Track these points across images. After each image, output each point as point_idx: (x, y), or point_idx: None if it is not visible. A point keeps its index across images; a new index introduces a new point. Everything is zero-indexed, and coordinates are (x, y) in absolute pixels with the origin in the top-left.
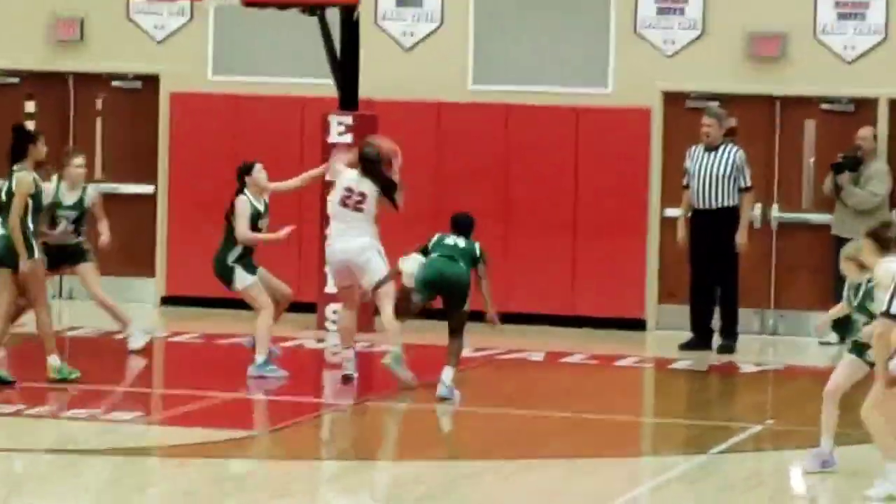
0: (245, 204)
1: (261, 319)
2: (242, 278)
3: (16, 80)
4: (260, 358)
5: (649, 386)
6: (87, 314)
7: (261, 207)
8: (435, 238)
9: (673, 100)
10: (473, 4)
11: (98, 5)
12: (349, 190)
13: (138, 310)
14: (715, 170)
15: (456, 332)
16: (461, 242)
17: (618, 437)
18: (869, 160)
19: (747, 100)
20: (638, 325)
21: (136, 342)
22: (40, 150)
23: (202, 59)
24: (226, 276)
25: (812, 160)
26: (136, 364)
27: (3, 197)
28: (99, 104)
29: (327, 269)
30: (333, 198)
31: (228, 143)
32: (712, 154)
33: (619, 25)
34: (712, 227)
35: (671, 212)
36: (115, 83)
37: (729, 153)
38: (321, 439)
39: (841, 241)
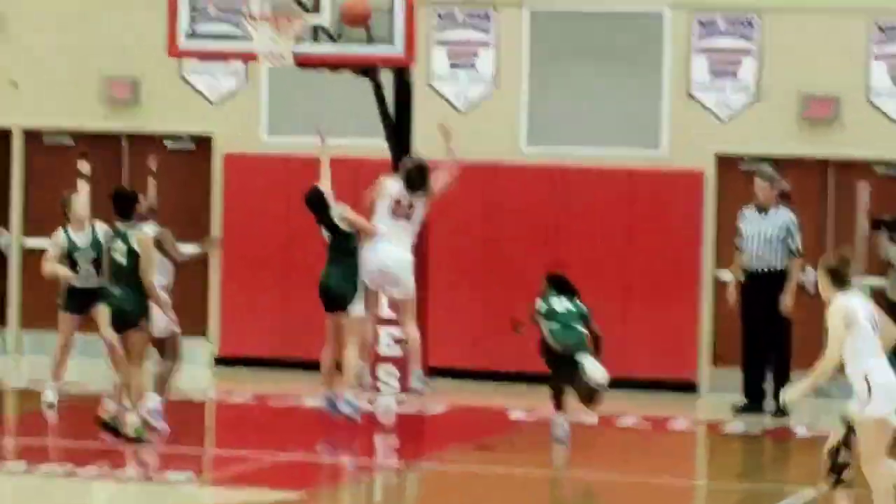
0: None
1: (353, 351)
2: (359, 306)
3: (70, 140)
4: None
5: (702, 449)
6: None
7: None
8: (544, 308)
9: (726, 162)
10: (527, 66)
11: (152, 66)
12: (398, 201)
13: (192, 370)
14: (766, 232)
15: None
16: (571, 305)
17: (671, 501)
18: None
19: (800, 163)
20: (689, 387)
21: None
22: (141, 206)
23: (256, 119)
24: (349, 296)
25: (865, 224)
26: (187, 423)
27: (124, 259)
28: (153, 165)
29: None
30: (381, 209)
31: (281, 204)
32: (765, 216)
33: (672, 88)
34: (764, 289)
35: (724, 274)
36: (168, 144)
37: (780, 216)
38: (373, 501)
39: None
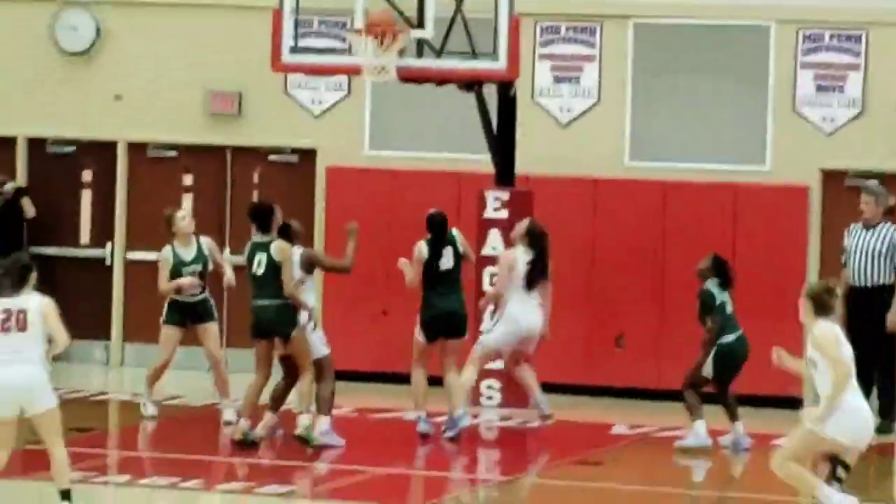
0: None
1: (464, 375)
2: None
3: (174, 153)
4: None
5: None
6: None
7: None
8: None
9: (832, 178)
10: (631, 80)
11: (256, 80)
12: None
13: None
14: (872, 247)
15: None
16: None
17: None
18: None
19: None
20: (796, 403)
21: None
22: (279, 219)
23: (359, 133)
24: (465, 323)
25: None
26: (289, 436)
27: (261, 270)
28: (256, 178)
29: (503, 339)
30: (516, 278)
31: (384, 218)
32: (870, 232)
33: (777, 103)
34: (869, 305)
35: None
36: (271, 157)
37: (887, 231)
38: None
39: None
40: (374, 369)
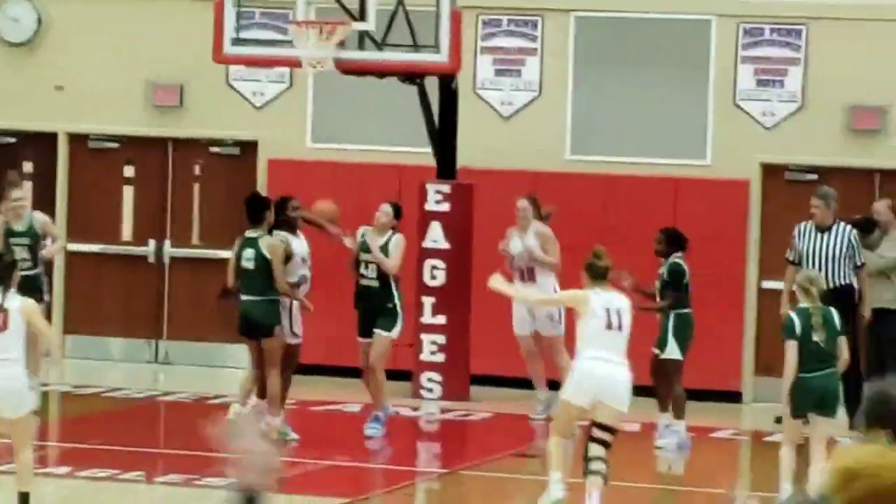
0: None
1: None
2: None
3: (115, 144)
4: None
5: (745, 459)
6: (183, 379)
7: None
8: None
9: (772, 172)
10: (572, 74)
11: (197, 72)
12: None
13: (233, 375)
14: (829, 250)
15: None
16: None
17: None
18: (891, 229)
19: (847, 173)
20: (734, 397)
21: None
22: (273, 215)
23: (301, 125)
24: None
25: None
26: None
27: (250, 265)
28: (197, 170)
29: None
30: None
31: None
32: (826, 235)
33: (717, 97)
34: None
35: (768, 284)
36: (213, 149)
37: (842, 233)
38: None
39: None
40: (317, 362)
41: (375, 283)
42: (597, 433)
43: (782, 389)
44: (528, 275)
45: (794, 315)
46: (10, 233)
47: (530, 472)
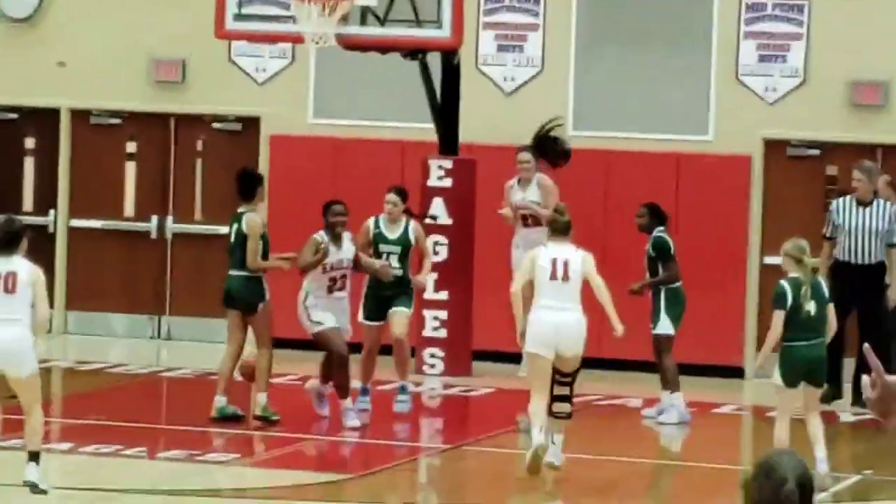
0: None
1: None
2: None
3: (117, 120)
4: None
5: (747, 434)
6: (185, 355)
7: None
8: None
9: (774, 147)
10: (574, 50)
11: (200, 47)
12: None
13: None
14: (869, 225)
15: None
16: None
17: (716, 485)
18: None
19: (849, 148)
20: (736, 372)
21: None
22: (265, 191)
23: (303, 101)
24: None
25: None
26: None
27: (233, 240)
28: (199, 145)
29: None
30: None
31: (327, 186)
32: (867, 209)
33: (720, 72)
34: (865, 282)
35: (770, 259)
36: (215, 125)
37: (884, 209)
38: (417, 483)
39: None
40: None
41: (400, 271)
42: (559, 378)
43: (760, 355)
44: (534, 221)
45: (786, 284)
46: None
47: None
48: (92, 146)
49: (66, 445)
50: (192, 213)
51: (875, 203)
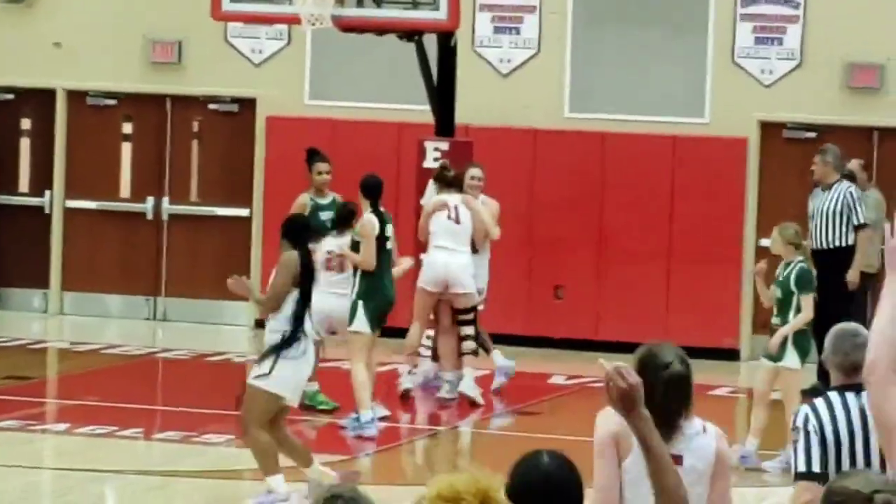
0: None
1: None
2: None
3: (114, 101)
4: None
5: (742, 416)
6: (180, 336)
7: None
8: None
9: (770, 130)
10: (571, 32)
11: (196, 28)
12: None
13: (232, 333)
14: (825, 207)
15: None
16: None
17: None
18: (864, 189)
19: (845, 130)
20: (732, 354)
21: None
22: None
23: (299, 83)
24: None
25: None
26: (226, 385)
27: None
28: (196, 126)
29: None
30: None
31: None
32: (826, 193)
33: (716, 55)
34: (826, 266)
35: (766, 242)
36: (211, 106)
37: (839, 191)
38: (414, 464)
39: None
40: None
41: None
42: (459, 317)
43: (778, 335)
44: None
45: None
46: None
47: (532, 429)
48: (88, 127)
49: (61, 426)
50: (188, 194)
51: (835, 187)
